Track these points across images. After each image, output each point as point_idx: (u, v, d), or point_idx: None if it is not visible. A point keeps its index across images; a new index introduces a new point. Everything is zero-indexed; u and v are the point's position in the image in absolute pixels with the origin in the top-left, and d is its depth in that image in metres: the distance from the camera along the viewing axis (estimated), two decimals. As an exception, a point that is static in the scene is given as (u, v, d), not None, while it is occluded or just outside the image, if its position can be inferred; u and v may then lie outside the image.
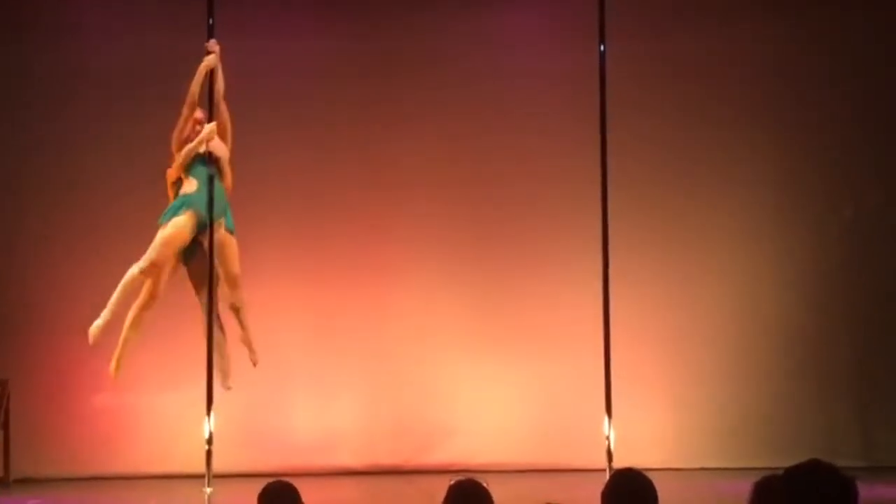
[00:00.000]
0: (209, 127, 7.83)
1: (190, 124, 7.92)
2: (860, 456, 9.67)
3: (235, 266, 7.99)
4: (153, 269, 7.82)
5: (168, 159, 8.04)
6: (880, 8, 10.06)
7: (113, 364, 7.95)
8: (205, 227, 7.75)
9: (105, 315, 7.84)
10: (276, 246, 9.53)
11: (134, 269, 7.81)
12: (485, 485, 3.60)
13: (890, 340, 9.89)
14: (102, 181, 9.65)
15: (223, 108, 7.95)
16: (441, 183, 9.89)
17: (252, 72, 9.26)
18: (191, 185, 7.90)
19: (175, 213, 7.87)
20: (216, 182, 7.82)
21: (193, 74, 7.93)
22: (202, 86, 7.86)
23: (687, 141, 9.90)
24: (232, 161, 8.09)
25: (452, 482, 3.61)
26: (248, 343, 8.16)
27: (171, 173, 7.94)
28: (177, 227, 7.83)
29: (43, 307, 9.57)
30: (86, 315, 9.46)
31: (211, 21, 7.95)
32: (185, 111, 7.94)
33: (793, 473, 2.97)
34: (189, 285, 7.96)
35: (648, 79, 9.84)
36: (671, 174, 9.88)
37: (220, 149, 7.87)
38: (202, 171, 7.83)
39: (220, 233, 7.84)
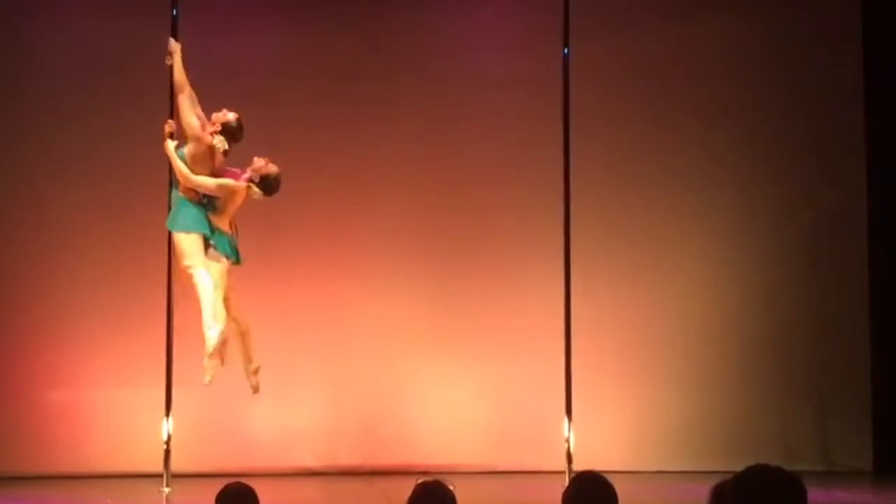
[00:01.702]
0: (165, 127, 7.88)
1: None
2: (818, 460, 9.75)
3: (178, 262, 7.97)
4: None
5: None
6: (838, 16, 10.13)
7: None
8: None
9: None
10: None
11: None
12: (451, 487, 3.59)
13: (848, 344, 9.95)
14: (57, 174, 9.50)
15: (177, 102, 7.94)
16: (403, 184, 9.86)
17: (216, 67, 9.21)
18: None
19: None
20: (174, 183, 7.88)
21: (158, 65, 7.95)
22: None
23: (649, 144, 9.93)
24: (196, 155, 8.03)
25: (419, 482, 3.60)
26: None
27: None
28: None
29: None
30: (40, 311, 9.41)
31: (175, 12, 7.91)
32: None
33: (742, 478, 2.99)
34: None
35: (612, 81, 9.86)
36: (633, 177, 9.90)
37: (166, 148, 7.88)
38: None
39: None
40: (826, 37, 10.08)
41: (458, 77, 9.91)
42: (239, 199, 7.90)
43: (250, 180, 7.83)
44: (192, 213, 7.83)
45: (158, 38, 8.13)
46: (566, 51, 8.19)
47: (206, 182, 7.87)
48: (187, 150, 7.83)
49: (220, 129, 7.84)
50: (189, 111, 7.83)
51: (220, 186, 7.87)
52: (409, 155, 9.87)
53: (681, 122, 9.96)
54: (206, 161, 7.88)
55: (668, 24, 10.03)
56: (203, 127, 7.83)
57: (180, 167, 7.78)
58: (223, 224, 7.88)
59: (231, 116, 7.87)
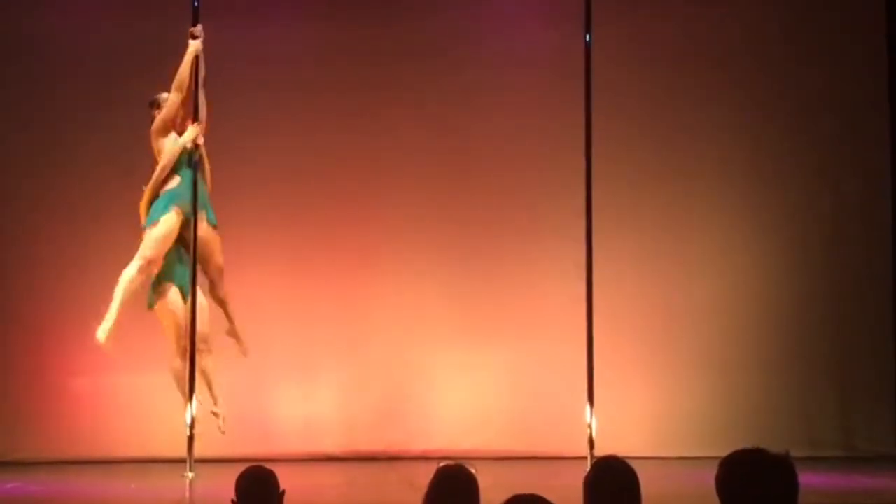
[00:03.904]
0: (197, 128, 7.87)
1: (179, 113, 7.94)
2: (841, 445, 9.73)
3: (221, 259, 8.03)
4: (148, 267, 7.88)
5: (148, 149, 8.03)
6: (862, 2, 10.08)
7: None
8: (189, 222, 7.82)
9: (110, 317, 7.86)
10: (257, 233, 9.49)
11: (131, 271, 7.85)
12: (473, 471, 3.60)
13: (871, 330, 9.92)
14: (81, 170, 9.54)
15: (202, 96, 7.95)
16: (423, 171, 9.87)
17: (235, 56, 9.23)
18: (174, 181, 7.92)
19: (164, 210, 7.89)
20: (198, 176, 7.90)
21: (179, 58, 7.92)
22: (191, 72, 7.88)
23: (671, 130, 9.90)
24: (208, 149, 8.10)
25: (441, 465, 3.61)
26: (235, 335, 8.24)
27: (159, 175, 7.93)
28: (168, 225, 7.88)
29: (20, 290, 9.51)
30: (64, 297, 9.45)
31: (196, 3, 7.92)
32: (174, 97, 7.93)
33: (727, 462, 2.98)
34: None
35: (634, 66, 9.83)
36: (655, 163, 9.88)
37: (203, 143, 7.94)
38: (186, 165, 7.88)
39: (203, 226, 7.87)
40: (851, 22, 10.03)
41: (480, 62, 9.89)
42: None
43: None
44: None
45: (179, 30, 8.13)
46: (588, 36, 8.15)
47: None
48: None
49: None
50: None
51: None
52: (428, 140, 9.86)
53: (704, 107, 9.92)
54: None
55: (691, 9, 9.98)
56: None
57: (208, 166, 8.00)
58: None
59: None
